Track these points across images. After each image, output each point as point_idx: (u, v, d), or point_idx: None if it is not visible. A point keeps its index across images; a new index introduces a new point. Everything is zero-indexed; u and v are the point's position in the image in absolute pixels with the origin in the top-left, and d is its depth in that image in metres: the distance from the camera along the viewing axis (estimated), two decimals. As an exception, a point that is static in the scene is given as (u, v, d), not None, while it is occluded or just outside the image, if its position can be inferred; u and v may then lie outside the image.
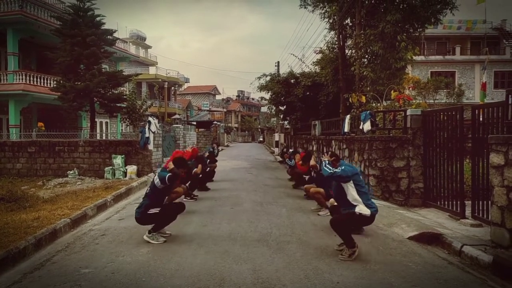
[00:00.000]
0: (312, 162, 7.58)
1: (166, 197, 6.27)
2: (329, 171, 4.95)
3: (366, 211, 4.83)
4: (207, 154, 12.68)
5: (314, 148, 15.69)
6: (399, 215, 6.98)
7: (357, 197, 4.89)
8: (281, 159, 22.70)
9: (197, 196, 9.26)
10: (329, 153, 5.54)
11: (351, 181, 4.90)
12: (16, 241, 5.11)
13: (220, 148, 33.81)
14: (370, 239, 5.73)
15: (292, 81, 20.20)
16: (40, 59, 21.21)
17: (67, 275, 4.36)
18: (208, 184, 10.82)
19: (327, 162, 5.14)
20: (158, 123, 14.00)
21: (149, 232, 5.61)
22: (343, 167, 4.95)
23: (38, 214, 6.75)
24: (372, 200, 5.18)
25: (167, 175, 5.62)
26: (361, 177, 5.14)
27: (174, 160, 6.11)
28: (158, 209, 5.64)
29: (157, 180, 5.65)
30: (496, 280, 4.27)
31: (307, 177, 9.29)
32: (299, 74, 20.14)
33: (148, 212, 5.59)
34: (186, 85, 58.26)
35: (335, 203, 5.59)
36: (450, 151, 7.26)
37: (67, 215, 6.71)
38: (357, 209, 4.85)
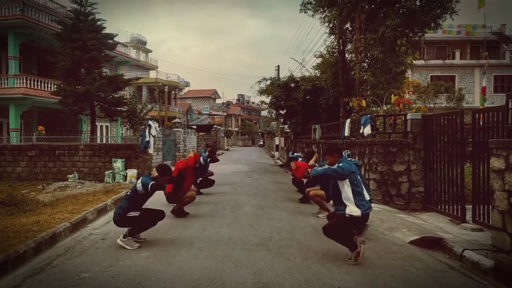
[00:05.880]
0: (311, 162, 7.19)
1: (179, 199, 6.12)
2: (325, 167, 4.99)
3: (356, 212, 4.77)
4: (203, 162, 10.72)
5: (314, 152, 15.67)
6: (399, 219, 6.97)
7: (350, 196, 4.83)
8: (281, 163, 22.72)
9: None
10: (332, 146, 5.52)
11: (347, 180, 4.85)
12: (16, 245, 5.09)
13: (218, 151, 33.32)
14: (371, 244, 5.70)
15: (292, 85, 20.22)
16: (41, 63, 21.26)
17: (67, 279, 4.35)
18: (209, 188, 10.75)
19: (325, 162, 5.25)
20: (159, 127, 14.01)
21: (124, 236, 5.55)
22: (340, 164, 4.89)
23: (38, 218, 6.73)
24: (370, 202, 5.14)
25: (151, 183, 5.52)
26: (358, 176, 5.07)
27: (157, 168, 5.95)
28: (138, 213, 5.63)
29: (139, 185, 5.56)
30: (497, 285, 4.26)
31: (305, 181, 9.26)
32: (299, 78, 20.15)
33: (127, 215, 5.57)
34: (186, 89, 58.40)
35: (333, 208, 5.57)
36: (451, 155, 7.26)
37: (67, 219, 6.71)
38: (347, 211, 4.80)
